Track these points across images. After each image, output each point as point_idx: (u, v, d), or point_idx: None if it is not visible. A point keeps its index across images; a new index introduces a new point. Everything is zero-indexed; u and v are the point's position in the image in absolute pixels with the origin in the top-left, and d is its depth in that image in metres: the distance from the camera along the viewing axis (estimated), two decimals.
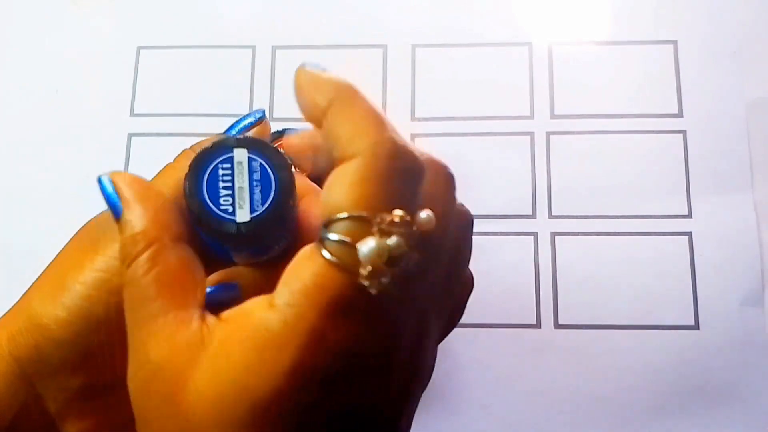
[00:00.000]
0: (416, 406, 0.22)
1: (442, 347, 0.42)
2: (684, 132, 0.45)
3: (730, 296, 0.42)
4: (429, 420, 0.41)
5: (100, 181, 0.22)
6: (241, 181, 0.21)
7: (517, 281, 0.43)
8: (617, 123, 0.45)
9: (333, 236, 0.18)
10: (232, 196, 0.21)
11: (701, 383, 0.41)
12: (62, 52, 0.47)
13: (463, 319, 0.42)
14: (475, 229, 0.43)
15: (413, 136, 0.45)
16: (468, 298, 0.25)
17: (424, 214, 0.19)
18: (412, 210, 0.19)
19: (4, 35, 0.48)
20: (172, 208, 0.22)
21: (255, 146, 0.21)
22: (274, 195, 0.21)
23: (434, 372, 0.42)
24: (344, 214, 0.18)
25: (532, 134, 0.45)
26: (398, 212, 0.19)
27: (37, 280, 0.25)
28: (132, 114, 0.46)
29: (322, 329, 0.18)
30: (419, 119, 0.46)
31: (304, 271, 0.19)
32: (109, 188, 0.22)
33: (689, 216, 0.44)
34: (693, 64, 0.46)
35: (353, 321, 0.18)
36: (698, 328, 0.42)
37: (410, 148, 0.20)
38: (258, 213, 0.21)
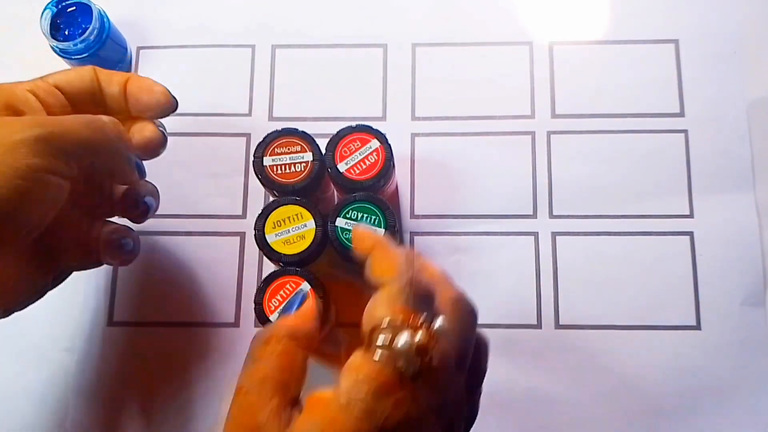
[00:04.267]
0: None
1: None
2: (685, 131, 0.45)
3: (732, 296, 0.42)
4: None
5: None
6: None
7: (517, 281, 0.43)
8: (618, 122, 0.45)
9: (380, 341, 0.26)
10: None
11: (702, 383, 0.41)
12: None
13: None
14: (475, 229, 0.44)
15: (413, 135, 0.45)
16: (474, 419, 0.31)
17: (440, 319, 0.27)
18: (429, 318, 0.27)
19: (4, 35, 0.48)
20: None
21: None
22: None
23: None
24: (386, 323, 0.26)
25: (532, 134, 0.45)
26: (421, 318, 0.27)
27: None
28: None
29: (373, 407, 0.25)
30: (419, 119, 0.45)
31: (360, 370, 0.26)
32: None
33: (690, 216, 0.43)
34: (694, 63, 0.46)
35: (394, 398, 0.26)
36: (699, 329, 0.42)
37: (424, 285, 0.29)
38: None
